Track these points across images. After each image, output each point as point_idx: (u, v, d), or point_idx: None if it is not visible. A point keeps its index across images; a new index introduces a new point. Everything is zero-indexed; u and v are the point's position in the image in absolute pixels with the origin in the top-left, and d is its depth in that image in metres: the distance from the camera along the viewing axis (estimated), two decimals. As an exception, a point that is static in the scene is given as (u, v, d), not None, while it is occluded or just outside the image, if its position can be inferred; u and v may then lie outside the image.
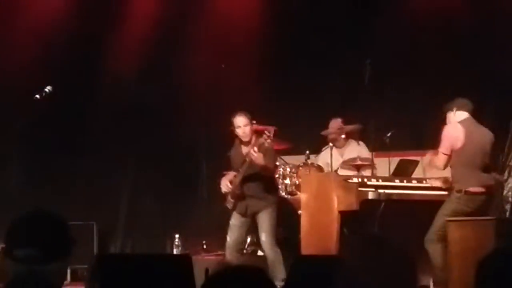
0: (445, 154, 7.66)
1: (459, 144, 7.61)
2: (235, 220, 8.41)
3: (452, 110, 7.75)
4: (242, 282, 2.43)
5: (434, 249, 7.50)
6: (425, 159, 8.20)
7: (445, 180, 7.96)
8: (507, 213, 9.00)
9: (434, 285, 7.51)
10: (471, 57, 9.71)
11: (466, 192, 7.56)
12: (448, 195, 7.78)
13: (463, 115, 7.73)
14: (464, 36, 9.83)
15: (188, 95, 10.75)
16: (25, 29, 10.76)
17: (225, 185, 8.41)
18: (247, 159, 8.13)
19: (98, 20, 10.93)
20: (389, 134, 8.73)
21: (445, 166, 7.75)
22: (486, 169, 7.73)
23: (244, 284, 2.42)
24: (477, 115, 7.89)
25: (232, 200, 8.37)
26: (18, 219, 2.99)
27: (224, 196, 8.48)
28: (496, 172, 8.09)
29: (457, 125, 7.69)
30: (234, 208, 8.38)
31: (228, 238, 8.43)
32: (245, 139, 8.32)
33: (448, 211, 7.59)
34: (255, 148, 8.00)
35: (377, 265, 2.46)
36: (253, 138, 8.26)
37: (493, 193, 7.87)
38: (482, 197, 7.63)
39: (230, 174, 8.46)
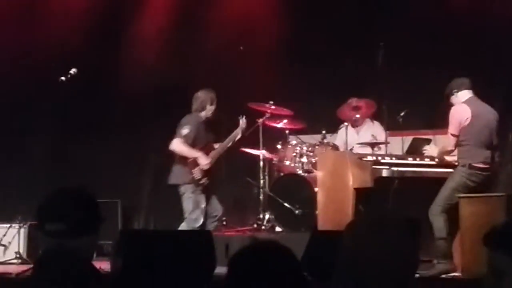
0: (453, 135, 7.75)
1: (466, 123, 7.69)
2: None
3: (452, 94, 7.84)
4: (270, 259, 2.44)
5: (438, 220, 7.56)
6: (438, 150, 8.33)
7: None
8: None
9: (437, 258, 7.59)
10: (483, 38, 9.74)
11: (470, 166, 7.66)
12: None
13: (465, 94, 7.81)
14: (476, 17, 9.82)
15: (207, 77, 10.93)
16: (48, 18, 11.01)
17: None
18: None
19: (117, 8, 11.18)
20: (402, 114, 8.87)
21: (455, 146, 7.82)
22: (491, 146, 7.79)
23: (271, 262, 2.43)
24: (487, 95, 7.96)
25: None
26: (50, 195, 3.06)
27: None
28: (499, 151, 8.12)
29: (462, 105, 7.76)
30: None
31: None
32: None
33: (452, 183, 7.69)
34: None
35: (379, 237, 2.56)
36: None
37: (496, 170, 7.99)
38: (485, 173, 7.71)
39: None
